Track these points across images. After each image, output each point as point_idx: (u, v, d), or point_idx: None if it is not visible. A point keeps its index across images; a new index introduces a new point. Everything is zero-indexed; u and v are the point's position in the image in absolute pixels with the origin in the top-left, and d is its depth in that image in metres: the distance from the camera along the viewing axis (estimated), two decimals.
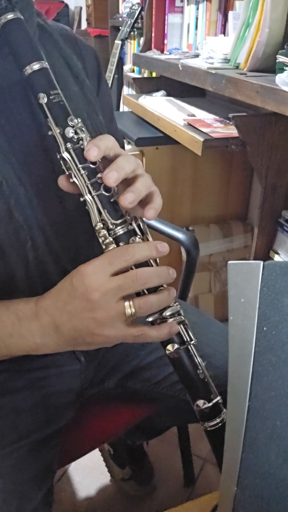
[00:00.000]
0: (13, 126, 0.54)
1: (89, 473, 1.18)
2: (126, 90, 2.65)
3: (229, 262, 0.34)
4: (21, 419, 0.63)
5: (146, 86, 1.80)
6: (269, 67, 1.06)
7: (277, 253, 1.24)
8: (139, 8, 2.03)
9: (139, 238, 0.49)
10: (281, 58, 0.98)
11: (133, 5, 2.09)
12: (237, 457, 0.37)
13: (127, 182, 0.49)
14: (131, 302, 0.46)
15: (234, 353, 0.35)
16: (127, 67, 2.50)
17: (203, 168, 1.52)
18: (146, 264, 0.48)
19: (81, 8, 3.41)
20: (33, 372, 0.68)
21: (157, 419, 0.91)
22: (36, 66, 0.47)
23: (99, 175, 0.48)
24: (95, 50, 0.68)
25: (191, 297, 1.57)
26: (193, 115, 1.37)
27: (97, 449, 1.20)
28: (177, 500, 1.13)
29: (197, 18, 1.56)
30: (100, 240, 0.48)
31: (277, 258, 1.23)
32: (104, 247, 0.48)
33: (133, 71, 2.45)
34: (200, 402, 0.51)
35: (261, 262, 0.33)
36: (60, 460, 0.68)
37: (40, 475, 0.61)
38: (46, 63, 0.48)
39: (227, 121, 1.29)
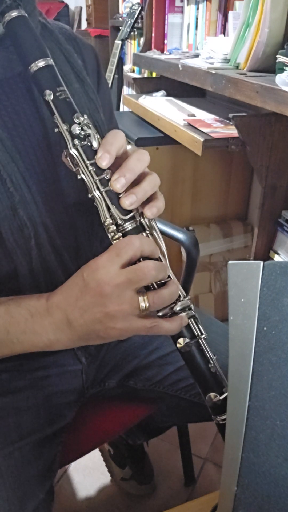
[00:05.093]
0: (15, 122, 0.54)
1: (89, 473, 1.18)
2: (126, 90, 2.65)
3: (229, 262, 0.34)
4: (23, 418, 0.63)
5: (146, 86, 1.80)
6: (269, 67, 1.06)
7: (277, 253, 1.24)
8: (139, 8, 2.03)
9: (147, 233, 0.49)
10: (281, 58, 0.98)
11: (133, 5, 2.09)
12: (238, 457, 0.37)
13: (134, 180, 0.49)
14: (145, 297, 0.46)
15: (235, 353, 0.35)
16: (127, 67, 2.50)
17: (203, 168, 1.52)
18: (156, 259, 0.48)
19: (81, 8, 3.41)
20: (34, 372, 0.68)
21: (158, 418, 0.91)
22: (41, 63, 0.47)
23: (106, 171, 0.48)
24: (94, 48, 0.68)
25: (191, 297, 1.57)
26: (193, 115, 1.37)
27: (97, 449, 1.20)
28: (177, 500, 1.13)
29: (197, 18, 1.56)
30: (110, 236, 0.48)
31: (277, 258, 1.23)
32: (113, 243, 0.48)
33: (133, 71, 2.45)
34: (212, 395, 0.51)
35: (261, 262, 0.33)
36: (60, 460, 0.69)
37: (42, 474, 0.61)
38: (51, 60, 0.49)
39: (227, 121, 1.30)
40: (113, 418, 0.81)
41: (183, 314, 0.49)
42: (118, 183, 0.46)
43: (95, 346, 0.75)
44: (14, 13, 0.48)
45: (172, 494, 1.14)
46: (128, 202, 0.47)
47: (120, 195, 0.48)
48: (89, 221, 0.62)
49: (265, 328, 0.34)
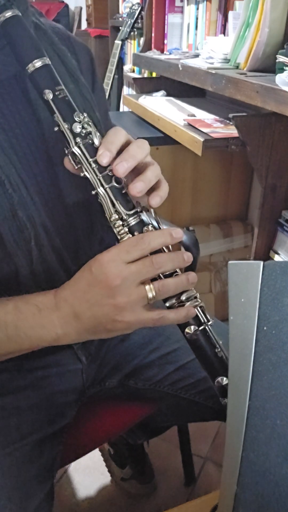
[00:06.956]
0: (12, 124, 0.54)
1: (89, 473, 1.18)
2: (126, 90, 2.65)
3: (229, 262, 0.34)
4: (23, 418, 0.63)
5: (146, 86, 1.80)
6: (269, 67, 1.06)
7: (277, 253, 1.24)
8: (139, 8, 2.03)
9: (151, 227, 0.49)
10: (281, 58, 0.98)
11: (133, 5, 2.09)
12: (238, 456, 0.37)
13: (137, 171, 0.50)
14: (151, 286, 0.47)
15: (235, 353, 0.35)
16: (127, 67, 2.50)
17: (203, 168, 1.52)
18: (159, 250, 0.49)
19: (81, 8, 3.41)
20: (35, 372, 0.68)
21: (158, 418, 0.91)
22: (38, 63, 0.48)
23: (109, 167, 0.48)
24: (88, 47, 0.68)
25: None
26: (193, 115, 1.37)
27: (97, 449, 1.20)
28: (177, 500, 1.13)
29: (197, 18, 1.56)
30: (116, 231, 0.49)
31: (277, 258, 1.23)
32: (119, 237, 0.49)
33: (133, 71, 2.45)
34: (220, 379, 0.51)
35: (261, 262, 0.34)
36: (60, 460, 0.69)
37: (43, 474, 0.61)
38: (48, 59, 0.49)
39: (227, 121, 1.30)
40: (113, 418, 0.81)
41: (189, 303, 0.50)
42: (119, 169, 0.47)
43: (96, 345, 0.75)
44: (8, 13, 0.48)
45: (172, 494, 1.14)
46: (136, 189, 0.48)
47: (123, 191, 0.49)
48: (88, 221, 0.62)
49: (265, 328, 0.34)
